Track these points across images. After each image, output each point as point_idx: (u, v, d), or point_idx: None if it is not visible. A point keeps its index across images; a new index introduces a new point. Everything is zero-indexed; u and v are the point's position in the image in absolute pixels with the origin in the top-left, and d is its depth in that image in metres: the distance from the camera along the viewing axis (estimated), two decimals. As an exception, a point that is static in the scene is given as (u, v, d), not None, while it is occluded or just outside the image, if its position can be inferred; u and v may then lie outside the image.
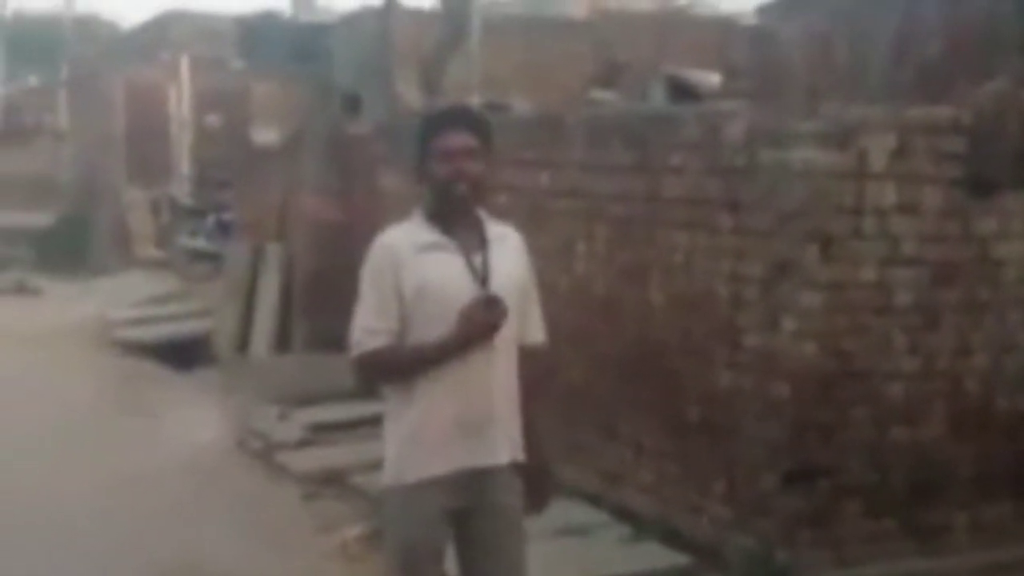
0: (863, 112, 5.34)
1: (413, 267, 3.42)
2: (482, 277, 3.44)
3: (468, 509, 3.49)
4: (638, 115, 6.52)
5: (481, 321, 3.38)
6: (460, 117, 3.57)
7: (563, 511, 6.18)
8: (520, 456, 3.54)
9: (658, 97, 10.78)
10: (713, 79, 10.83)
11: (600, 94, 10.23)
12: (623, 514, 6.11)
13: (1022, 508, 5.66)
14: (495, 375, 3.45)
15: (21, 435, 8.18)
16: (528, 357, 3.59)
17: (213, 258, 14.09)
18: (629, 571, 5.56)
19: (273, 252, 11.31)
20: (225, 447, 8.16)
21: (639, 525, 5.95)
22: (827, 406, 5.28)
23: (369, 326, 3.44)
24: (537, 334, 3.65)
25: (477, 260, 3.46)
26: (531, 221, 7.04)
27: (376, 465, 7.18)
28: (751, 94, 8.73)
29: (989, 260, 5.50)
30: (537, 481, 3.62)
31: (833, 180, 5.22)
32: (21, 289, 15.59)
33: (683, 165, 5.93)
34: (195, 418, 8.86)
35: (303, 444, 8.08)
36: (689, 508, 5.79)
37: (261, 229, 11.76)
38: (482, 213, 3.57)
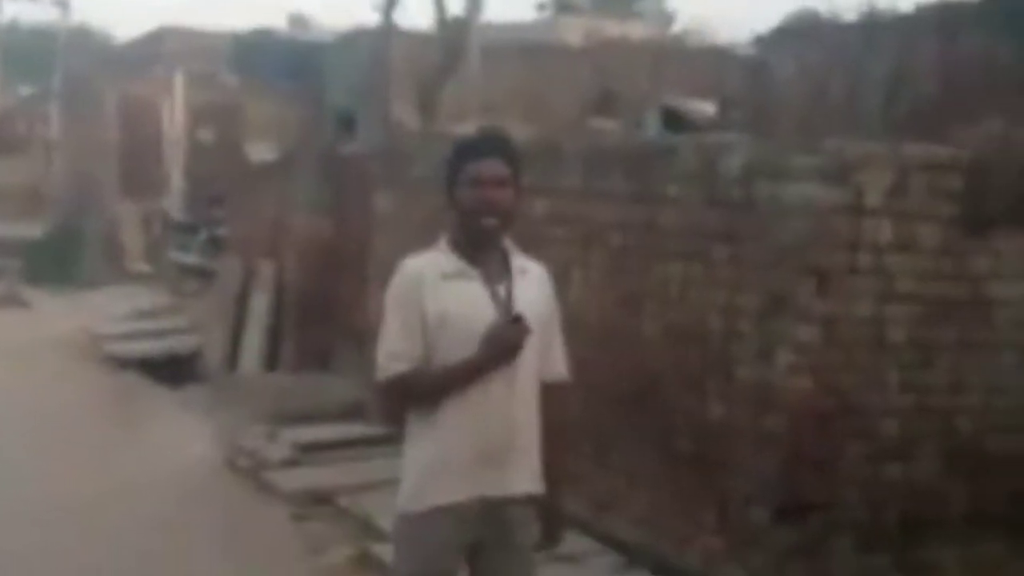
0: (861, 148, 5.37)
1: (436, 294, 3.43)
2: (505, 307, 3.44)
3: (482, 543, 3.49)
4: (637, 145, 6.55)
5: (505, 339, 3.39)
6: (493, 145, 3.57)
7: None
8: (540, 489, 3.54)
9: (653, 126, 10.85)
10: (708, 109, 10.90)
11: (600, 123, 10.28)
12: (614, 543, 6.11)
13: (1013, 546, 5.67)
14: (516, 404, 3.45)
15: (6, 449, 8.14)
16: (551, 393, 3.59)
17: (204, 274, 14.09)
18: (619, 601, 5.55)
19: (264, 269, 11.31)
20: (213, 465, 8.13)
21: (630, 554, 5.95)
22: (821, 441, 5.29)
23: (393, 351, 3.45)
24: (560, 369, 3.64)
25: (501, 290, 3.47)
26: (527, 248, 7.02)
27: (365, 486, 7.29)
28: (745, 125, 8.78)
29: (983, 300, 5.53)
30: (552, 514, 3.63)
31: (830, 215, 5.25)
32: (10, 301, 15.55)
33: (680, 196, 5.96)
34: (183, 435, 8.84)
35: (292, 463, 8.06)
36: (680, 539, 5.80)
37: (253, 246, 11.76)
38: (508, 243, 3.56)
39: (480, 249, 3.48)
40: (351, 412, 8.91)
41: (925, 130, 6.37)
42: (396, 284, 3.50)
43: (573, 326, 6.53)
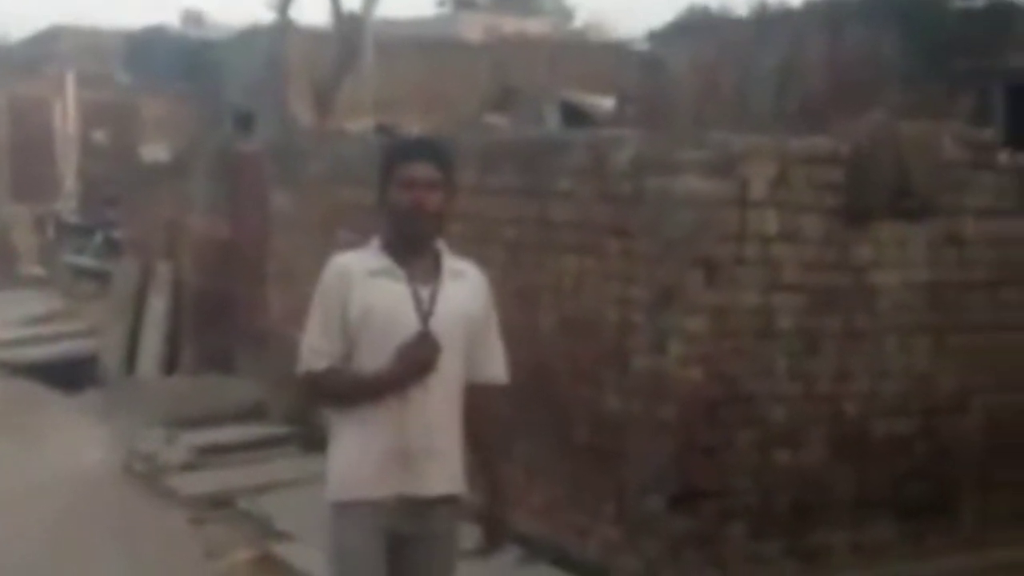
0: (745, 141, 5.47)
1: (361, 291, 3.47)
2: (426, 310, 3.47)
3: (403, 538, 3.52)
4: (529, 140, 6.60)
5: (415, 357, 3.43)
6: (425, 148, 3.62)
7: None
8: (460, 490, 3.57)
9: (552, 121, 10.91)
10: (606, 104, 11.00)
11: (493, 118, 10.32)
12: (514, 536, 6.12)
13: (901, 528, 5.82)
14: (433, 411, 3.47)
15: None
16: (487, 395, 3.62)
17: (100, 276, 13.86)
18: (518, 594, 5.59)
19: (161, 271, 11.16)
20: (110, 470, 8.02)
21: (531, 547, 5.98)
22: (712, 429, 5.39)
23: (314, 346, 3.51)
24: (497, 372, 3.65)
25: (425, 292, 3.49)
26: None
27: (265, 488, 7.25)
28: (641, 120, 8.89)
29: (865, 288, 5.67)
30: (492, 520, 3.64)
31: (716, 207, 5.34)
32: None
33: (572, 190, 6.01)
34: (80, 440, 8.70)
35: (190, 467, 7.98)
36: (579, 530, 5.85)
37: (149, 247, 11.59)
38: (442, 246, 3.59)
39: (411, 250, 3.51)
40: (251, 414, 8.85)
41: (813, 123, 6.51)
42: (323, 280, 3.54)
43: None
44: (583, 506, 5.86)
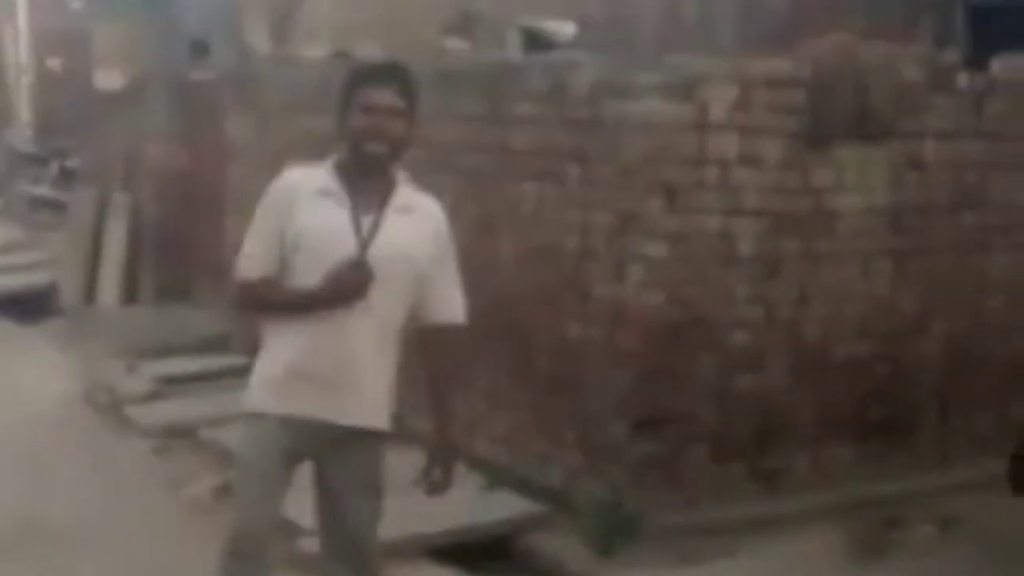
0: (705, 64, 5.41)
1: (304, 209, 3.40)
2: (364, 239, 3.39)
3: (318, 460, 3.51)
4: (487, 65, 6.51)
5: (344, 283, 3.36)
6: (389, 73, 3.49)
7: (418, 461, 6.20)
8: (382, 426, 3.54)
9: (514, 47, 10.77)
10: (568, 30, 10.86)
11: (453, 43, 10.18)
12: (478, 464, 6.14)
13: (861, 450, 5.89)
14: (357, 342, 3.41)
15: None
16: (440, 335, 3.56)
17: (56, 206, 13.68)
18: (483, 520, 5.60)
19: (119, 201, 11.02)
20: (71, 401, 7.96)
21: (493, 475, 6.01)
22: (673, 355, 5.40)
23: (249, 253, 3.48)
24: (452, 312, 3.58)
25: (367, 221, 3.41)
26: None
27: (226, 418, 7.20)
28: (603, 45, 8.79)
29: (826, 212, 5.67)
30: (440, 461, 3.61)
31: (676, 132, 5.30)
32: None
33: (531, 116, 5.95)
34: (39, 372, 8.63)
35: (152, 397, 7.93)
36: (541, 457, 5.87)
37: (106, 177, 11.44)
38: (401, 177, 3.50)
39: (365, 177, 3.43)
40: (212, 344, 8.79)
41: (778, 46, 6.44)
42: (269, 191, 3.49)
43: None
44: (545, 433, 5.88)
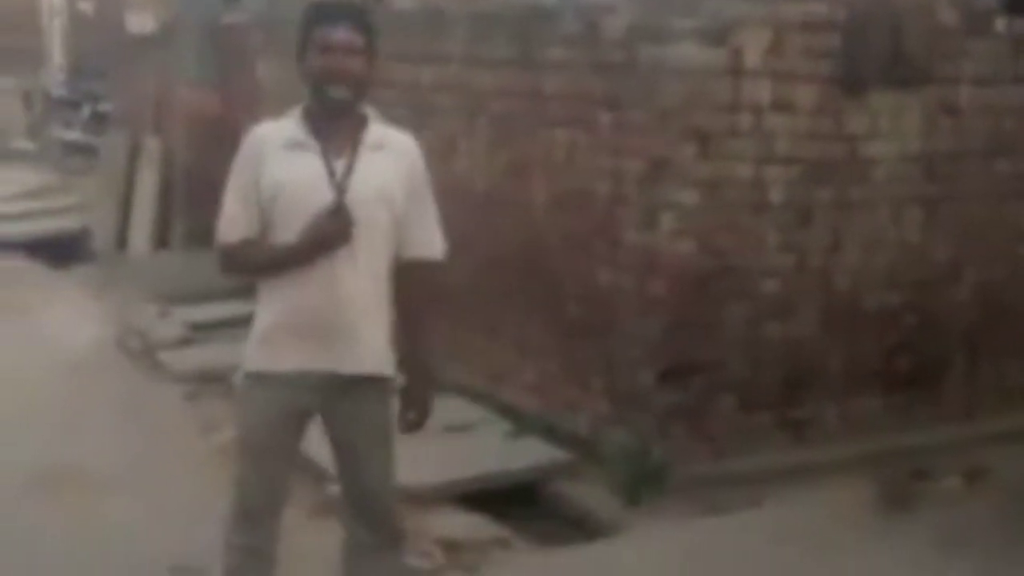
0: (739, 8, 5.34)
1: (275, 163, 3.35)
2: (339, 183, 3.36)
3: (325, 414, 3.49)
4: (519, 8, 6.45)
5: (328, 231, 3.33)
6: (344, 11, 3.41)
7: (448, 409, 6.22)
8: (387, 371, 3.51)
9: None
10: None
11: (484, -14, 10.09)
12: (506, 411, 6.17)
13: (889, 401, 5.86)
14: (348, 288, 3.38)
15: None
16: (419, 271, 3.54)
17: (89, 151, 13.70)
18: (510, 467, 5.63)
19: (151, 146, 11.04)
20: (104, 346, 8.02)
21: (521, 422, 6.02)
22: (703, 303, 5.37)
23: (230, 215, 3.41)
24: (431, 247, 3.56)
25: (340, 165, 3.37)
26: (414, 117, 6.94)
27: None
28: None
29: (859, 159, 5.60)
30: (415, 399, 3.60)
31: (710, 77, 5.24)
32: None
33: (564, 61, 5.89)
34: (72, 317, 8.69)
35: (183, 343, 7.98)
36: (569, 405, 5.87)
37: (138, 121, 11.45)
38: (370, 114, 3.46)
39: (329, 120, 3.38)
40: (243, 290, 8.76)
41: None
42: (241, 149, 3.43)
43: (460, 196, 6.57)
44: (574, 381, 5.87)
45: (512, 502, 5.38)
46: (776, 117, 5.36)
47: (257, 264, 3.45)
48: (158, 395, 7.08)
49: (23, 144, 16.27)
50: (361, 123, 3.44)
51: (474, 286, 6.51)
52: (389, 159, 3.44)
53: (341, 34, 3.33)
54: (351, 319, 3.40)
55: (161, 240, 10.68)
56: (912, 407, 5.89)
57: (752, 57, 5.26)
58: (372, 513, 3.57)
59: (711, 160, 5.29)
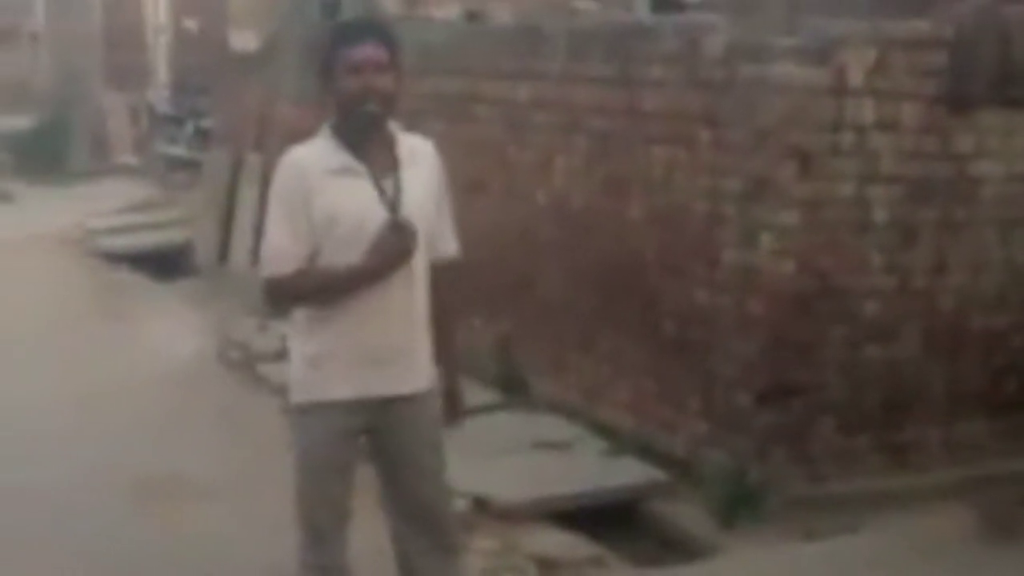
0: (843, 27, 5.27)
1: (323, 193, 3.34)
2: (391, 201, 3.37)
3: (374, 433, 3.50)
4: (618, 26, 6.44)
5: (393, 250, 3.34)
6: (369, 30, 3.44)
7: (541, 425, 6.23)
8: (431, 381, 3.54)
9: (643, 7, 10.63)
10: (697, -11, 10.67)
11: (582, 3, 10.09)
12: (601, 429, 6.15)
13: (994, 425, 5.71)
14: (402, 305, 3.40)
15: (3, 346, 8.17)
16: (442, 273, 3.56)
17: (192, 166, 13.96)
18: (606, 485, 5.60)
19: (252, 162, 11.21)
20: (205, 358, 8.17)
21: (616, 440, 6.00)
22: (803, 324, 5.30)
23: (280, 247, 3.37)
24: (449, 248, 3.59)
25: (388, 184, 3.38)
26: (509, 134, 7.00)
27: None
28: (731, 6, 8.60)
29: (966, 178, 5.49)
30: (456, 392, 3.64)
31: (812, 96, 5.18)
32: (-1, 196, 15.40)
33: (662, 78, 5.87)
34: (175, 329, 8.86)
35: (281, 356, 8.06)
36: (665, 424, 5.83)
37: (240, 137, 11.63)
38: (394, 127, 3.48)
39: (365, 139, 3.39)
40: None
41: (913, 7, 6.24)
42: (279, 179, 3.41)
43: (557, 213, 6.58)
44: (670, 400, 5.83)
45: (607, 521, 5.36)
46: (880, 136, 5.28)
47: (312, 293, 3.41)
48: (256, 407, 7.18)
49: (128, 159, 16.63)
50: (392, 138, 3.46)
51: (570, 302, 6.51)
52: (423, 171, 3.48)
53: (369, 52, 3.34)
54: (406, 338, 3.42)
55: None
56: (1018, 432, 5.74)
57: (855, 76, 5.19)
58: (433, 523, 3.56)
59: (812, 179, 5.23)
